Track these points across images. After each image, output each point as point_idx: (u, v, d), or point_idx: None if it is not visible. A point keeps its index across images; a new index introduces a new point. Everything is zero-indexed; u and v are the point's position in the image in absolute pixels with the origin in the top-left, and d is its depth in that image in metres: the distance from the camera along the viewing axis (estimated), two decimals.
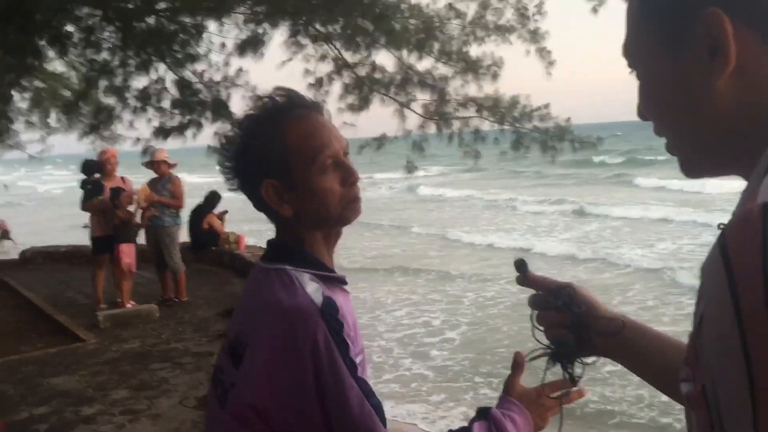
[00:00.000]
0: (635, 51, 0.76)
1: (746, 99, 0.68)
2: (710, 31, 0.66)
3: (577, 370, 1.12)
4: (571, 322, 1.08)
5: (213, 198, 11.14)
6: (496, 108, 8.90)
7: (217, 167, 1.41)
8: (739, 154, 0.70)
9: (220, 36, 10.49)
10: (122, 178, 8.65)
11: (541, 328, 1.12)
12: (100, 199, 8.27)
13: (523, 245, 15.61)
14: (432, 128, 9.41)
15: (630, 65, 0.78)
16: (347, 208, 1.35)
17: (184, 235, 9.84)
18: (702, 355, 0.62)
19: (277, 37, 9.78)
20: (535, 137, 8.95)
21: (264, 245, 1.46)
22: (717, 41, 0.66)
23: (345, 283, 1.39)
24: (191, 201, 10.74)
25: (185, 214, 9.74)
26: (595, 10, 8.57)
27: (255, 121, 1.37)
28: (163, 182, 8.47)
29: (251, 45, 9.86)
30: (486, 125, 9.20)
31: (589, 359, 1.11)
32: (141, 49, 10.42)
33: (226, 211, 11.52)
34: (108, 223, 8.26)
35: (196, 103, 10.28)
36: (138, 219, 8.41)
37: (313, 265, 1.33)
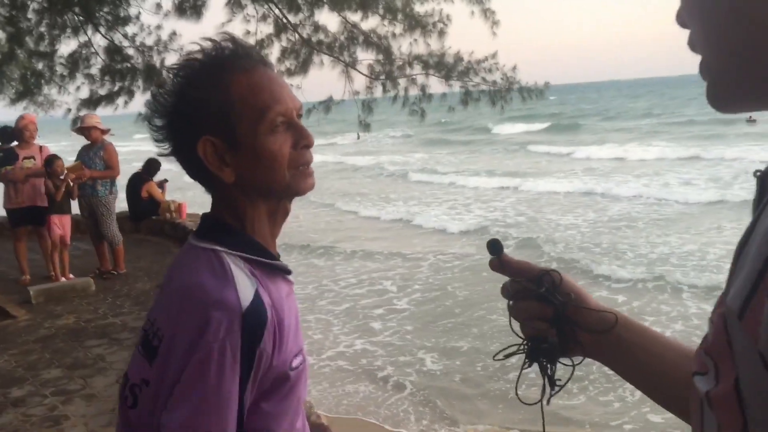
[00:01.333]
0: None
1: None
2: None
3: (559, 371, 0.92)
4: (553, 315, 0.89)
5: (152, 165, 10.69)
6: (441, 64, 8.72)
7: (146, 125, 1.18)
8: None
9: None
10: (40, 147, 8.14)
11: (518, 320, 0.93)
12: (7, 168, 7.76)
13: (403, 216, 15.54)
14: (378, 90, 9.20)
15: None
16: (298, 175, 1.16)
17: (121, 204, 9.43)
18: (741, 339, 0.49)
19: None
20: (483, 90, 8.85)
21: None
22: None
23: (289, 272, 1.20)
24: (127, 168, 10.29)
25: (122, 182, 9.30)
26: None
27: (194, 68, 1.14)
28: (95, 150, 8.01)
29: (190, 5, 9.38)
30: (433, 83, 9.05)
31: (574, 359, 0.92)
32: (67, 8, 9.84)
33: (166, 180, 11.09)
34: (20, 194, 7.80)
35: (127, 69, 9.78)
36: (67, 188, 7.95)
37: (253, 249, 1.14)
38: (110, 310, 6.92)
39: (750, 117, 38.16)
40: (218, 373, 1.02)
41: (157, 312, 1.12)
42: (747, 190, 16.21)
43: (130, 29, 10.25)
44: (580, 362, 0.92)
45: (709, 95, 0.60)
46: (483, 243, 0.97)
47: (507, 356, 0.93)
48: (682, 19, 0.62)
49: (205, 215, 1.21)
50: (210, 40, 1.16)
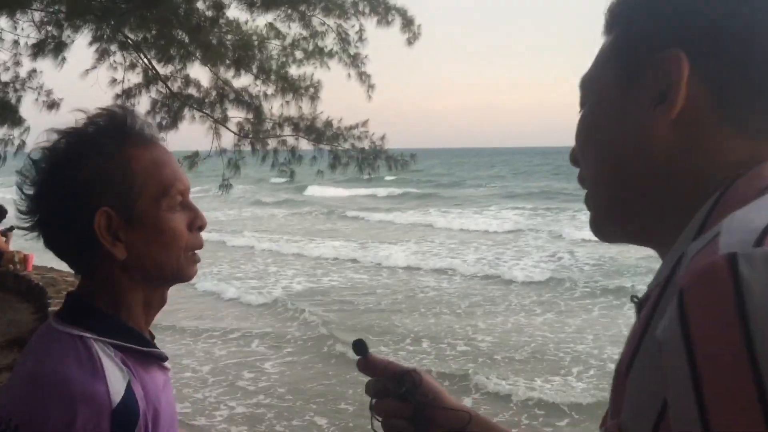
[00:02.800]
0: (592, 83, 0.72)
1: (679, 154, 0.63)
2: (666, 73, 0.63)
3: None
4: (413, 413, 0.95)
5: None
6: (312, 128, 8.88)
7: (17, 191, 1.09)
8: (658, 218, 0.65)
9: (13, 34, 9.48)
10: None
11: (380, 418, 0.98)
12: None
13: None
14: (247, 146, 9.18)
15: (582, 100, 0.73)
16: (188, 259, 1.12)
17: None
18: None
19: (83, 40, 8.99)
20: (352, 156, 9.04)
21: (57, 265, 1.16)
22: (669, 84, 0.62)
23: (164, 359, 1.14)
24: None
25: None
26: (410, 42, 8.90)
27: (93, 135, 1.08)
28: None
29: (49, 47, 8.97)
30: (303, 144, 9.17)
31: None
32: None
33: (12, 228, 10.29)
34: None
35: None
36: None
37: (126, 336, 1.06)
38: None
39: None
40: None
41: (8, 404, 1.00)
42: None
43: None
44: None
45: (592, 225, 0.71)
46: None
47: None
48: (575, 157, 0.72)
49: (71, 296, 1.11)
50: (104, 109, 1.12)
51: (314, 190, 38.11)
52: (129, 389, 1.00)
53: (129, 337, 1.07)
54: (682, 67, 0.61)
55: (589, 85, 0.72)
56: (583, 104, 0.73)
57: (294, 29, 8.93)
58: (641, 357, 0.53)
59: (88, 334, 1.03)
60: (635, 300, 0.65)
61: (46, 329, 1.07)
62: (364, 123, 8.93)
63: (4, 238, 10.10)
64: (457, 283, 14.15)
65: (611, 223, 0.70)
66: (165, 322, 9.92)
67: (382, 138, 9.04)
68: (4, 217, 9.96)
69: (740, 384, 0.42)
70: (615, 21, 0.70)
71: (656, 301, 0.55)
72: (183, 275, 1.13)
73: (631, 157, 0.65)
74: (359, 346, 1.00)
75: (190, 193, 1.16)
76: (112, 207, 1.06)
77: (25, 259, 9.79)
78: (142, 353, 1.08)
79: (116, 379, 0.99)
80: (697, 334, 0.45)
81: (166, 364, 1.16)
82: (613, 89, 0.68)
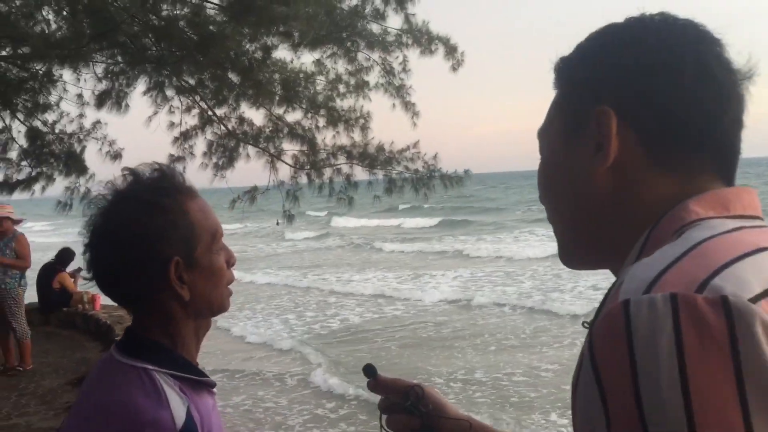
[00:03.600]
0: (545, 136, 0.82)
1: (619, 195, 0.73)
2: (599, 127, 0.72)
3: None
4: (420, 425, 1.04)
5: (65, 255, 10.35)
6: (365, 155, 8.99)
7: (88, 249, 1.21)
8: (611, 249, 0.75)
9: (76, 86, 9.96)
10: None
11: (391, 431, 1.08)
12: None
13: None
14: (303, 178, 9.35)
15: (539, 149, 0.83)
16: (227, 293, 1.27)
17: (30, 296, 9.02)
18: None
19: (141, 88, 9.38)
20: (407, 178, 9.11)
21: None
22: (602, 137, 0.72)
23: (213, 385, 1.25)
24: (37, 258, 9.90)
25: (31, 272, 8.95)
26: (454, 68, 9.01)
27: (149, 192, 1.20)
28: (6, 240, 7.71)
29: (111, 97, 9.38)
30: (358, 172, 9.30)
31: None
32: None
33: (79, 269, 10.73)
34: None
35: (48, 154, 9.62)
36: None
37: (183, 367, 1.18)
38: (14, 410, 6.48)
39: None
40: None
41: (75, 428, 1.11)
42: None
43: (51, 116, 10.16)
44: None
45: (559, 255, 0.82)
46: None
47: None
48: (541, 198, 0.84)
49: (131, 331, 1.21)
50: (153, 169, 1.24)
51: (344, 221, 36.35)
52: (189, 414, 1.11)
53: (184, 367, 1.18)
54: (610, 123, 0.71)
55: (542, 136, 0.82)
56: (540, 153, 0.82)
57: (340, 65, 9.18)
58: (583, 374, 0.61)
59: (150, 366, 1.13)
60: (585, 325, 0.74)
61: (109, 361, 1.17)
62: (415, 144, 9.01)
63: (72, 279, 10.53)
64: (518, 311, 13.80)
65: (573, 254, 0.81)
66: (222, 363, 9.98)
67: (435, 157, 9.06)
68: (72, 259, 10.38)
69: (626, 396, 0.54)
70: (559, 78, 0.80)
71: None
72: (224, 307, 1.27)
73: (581, 199, 0.75)
74: (368, 370, 1.10)
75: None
76: (180, 255, 1.18)
77: (93, 299, 10.17)
78: (196, 381, 1.19)
79: (177, 406, 1.10)
80: (600, 364, 0.57)
81: (214, 389, 1.27)
82: (561, 141, 0.78)
